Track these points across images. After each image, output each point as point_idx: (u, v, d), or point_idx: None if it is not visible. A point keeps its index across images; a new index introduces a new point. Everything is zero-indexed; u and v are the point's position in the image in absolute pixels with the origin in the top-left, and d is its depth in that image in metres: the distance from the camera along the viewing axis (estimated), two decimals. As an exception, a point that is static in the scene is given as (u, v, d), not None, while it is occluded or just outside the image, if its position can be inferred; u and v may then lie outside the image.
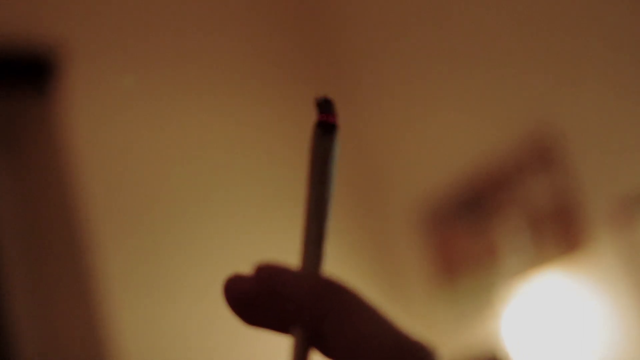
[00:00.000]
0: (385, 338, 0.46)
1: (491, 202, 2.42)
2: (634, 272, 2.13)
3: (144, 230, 2.28)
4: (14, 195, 2.20)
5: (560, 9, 2.29)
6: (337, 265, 2.55)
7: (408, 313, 2.56)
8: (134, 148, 2.33)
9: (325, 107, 0.54)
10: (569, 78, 2.27)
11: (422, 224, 2.58)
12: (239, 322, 0.44)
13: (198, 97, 2.47)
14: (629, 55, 2.16)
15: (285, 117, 2.57)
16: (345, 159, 2.59)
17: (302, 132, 2.59)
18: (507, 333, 2.34)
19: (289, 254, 2.35)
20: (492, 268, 2.40)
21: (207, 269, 2.32)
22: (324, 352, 0.47)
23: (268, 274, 0.49)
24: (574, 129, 2.27)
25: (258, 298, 0.48)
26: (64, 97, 2.26)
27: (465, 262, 2.47)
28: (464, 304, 2.46)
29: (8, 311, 2.14)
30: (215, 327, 2.28)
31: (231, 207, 2.42)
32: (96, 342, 2.13)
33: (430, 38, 2.57)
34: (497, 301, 2.37)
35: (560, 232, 2.29)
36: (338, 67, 2.73)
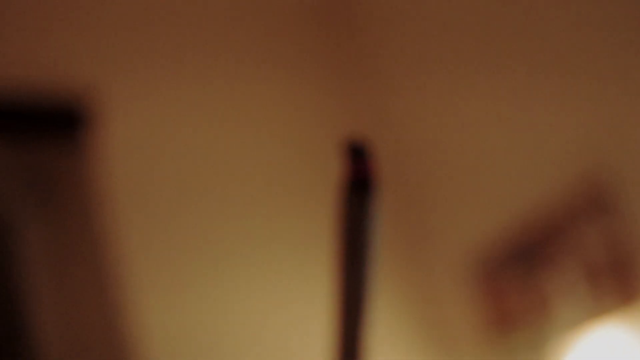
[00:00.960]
0: None
1: (544, 251, 2.35)
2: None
3: (172, 228, 2.28)
4: (46, 245, 2.20)
5: (618, 48, 2.23)
6: (383, 318, 2.49)
7: (458, 369, 2.50)
8: (169, 185, 2.33)
9: (358, 156, 0.44)
10: (628, 120, 2.21)
11: (471, 276, 2.51)
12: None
13: (231, 132, 2.45)
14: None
15: (317, 117, 2.58)
16: (388, 207, 2.57)
17: (332, 127, 2.58)
18: (563, 389, 2.26)
19: (319, 248, 2.31)
20: (546, 321, 2.33)
21: (235, 264, 2.32)
22: None
23: None
24: (631, 174, 2.20)
25: None
26: (97, 145, 2.24)
27: (517, 315, 2.39)
28: (517, 359, 2.38)
29: (33, 307, 2.13)
30: (242, 322, 2.28)
31: (260, 203, 2.42)
32: (121, 338, 2.14)
33: (478, 85, 2.51)
34: (551, 356, 2.29)
35: (617, 282, 2.22)
36: (382, 111, 2.69)
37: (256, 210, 2.42)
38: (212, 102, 2.47)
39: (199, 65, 2.48)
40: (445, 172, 2.60)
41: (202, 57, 2.49)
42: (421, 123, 2.66)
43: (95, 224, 2.21)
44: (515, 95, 2.43)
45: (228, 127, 2.47)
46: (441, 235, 2.61)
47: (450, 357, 2.53)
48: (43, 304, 2.18)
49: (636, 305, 2.18)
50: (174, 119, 2.40)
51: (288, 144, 2.53)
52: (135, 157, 2.31)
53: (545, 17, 2.38)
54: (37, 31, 2.28)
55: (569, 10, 2.32)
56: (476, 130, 2.52)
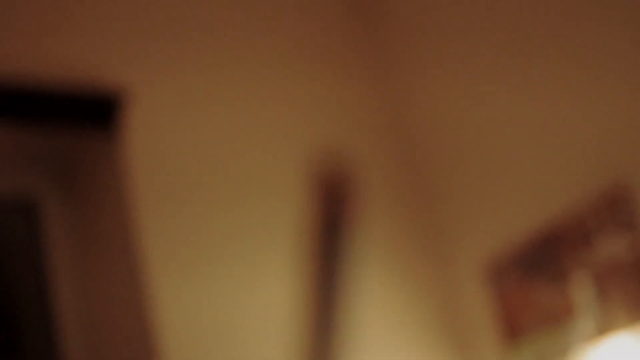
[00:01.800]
0: None
1: (563, 260, 2.33)
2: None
3: (191, 218, 2.30)
4: (69, 227, 2.24)
5: (635, 65, 2.20)
6: (402, 322, 2.50)
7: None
8: (194, 179, 2.35)
9: (332, 197, 0.43)
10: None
11: (490, 281, 2.50)
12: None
13: (258, 124, 2.47)
14: None
15: (338, 110, 2.60)
16: (411, 212, 2.58)
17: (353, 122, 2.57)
18: (571, 399, 2.26)
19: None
20: (562, 329, 2.32)
21: (256, 258, 2.34)
22: None
23: None
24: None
25: None
26: (126, 134, 2.28)
27: (534, 322, 2.39)
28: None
29: (55, 300, 2.17)
30: (259, 314, 2.29)
31: (285, 196, 2.43)
32: (141, 330, 2.17)
33: (504, 88, 2.49)
34: (563, 366, 2.29)
35: (632, 298, 2.20)
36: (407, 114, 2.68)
37: (281, 203, 2.43)
38: (240, 90, 2.48)
39: (227, 53, 2.49)
40: (468, 175, 2.59)
41: (232, 49, 2.49)
42: (447, 122, 2.64)
43: (118, 210, 2.25)
44: (543, 98, 2.40)
45: (254, 114, 2.48)
46: (462, 240, 2.59)
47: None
48: (63, 282, 2.24)
49: (649, 322, 2.17)
50: (203, 111, 2.41)
51: (310, 135, 2.54)
52: (163, 147, 2.33)
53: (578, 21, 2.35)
54: (70, 23, 2.32)
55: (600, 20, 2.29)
56: (502, 132, 2.50)
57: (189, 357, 2.20)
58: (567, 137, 2.34)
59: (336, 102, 2.60)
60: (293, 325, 2.33)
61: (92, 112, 2.25)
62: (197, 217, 2.33)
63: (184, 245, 2.29)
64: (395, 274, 2.53)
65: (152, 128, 2.32)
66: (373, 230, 2.51)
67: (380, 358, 2.45)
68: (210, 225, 2.33)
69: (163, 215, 2.28)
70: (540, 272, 2.37)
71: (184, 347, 2.21)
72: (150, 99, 2.33)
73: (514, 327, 2.44)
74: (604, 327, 2.23)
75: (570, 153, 2.34)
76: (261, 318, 2.32)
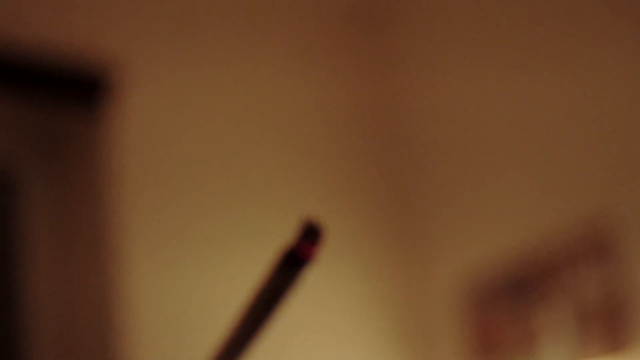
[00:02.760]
0: None
1: (537, 288, 2.33)
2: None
3: (173, 203, 2.28)
4: (49, 206, 2.21)
5: (622, 95, 2.22)
6: (371, 336, 2.48)
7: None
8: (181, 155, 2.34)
9: (310, 235, 0.47)
10: (633, 168, 2.19)
11: (463, 303, 2.49)
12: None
13: (251, 114, 2.45)
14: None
15: (338, 108, 2.59)
16: (390, 229, 2.58)
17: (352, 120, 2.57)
18: None
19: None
20: (531, 357, 2.31)
21: (236, 250, 2.33)
22: None
23: None
24: (633, 222, 2.19)
25: None
26: (114, 114, 2.25)
27: (504, 347, 2.38)
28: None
29: (24, 284, 2.14)
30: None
31: (273, 189, 2.44)
32: (111, 308, 2.15)
33: (501, 104, 2.50)
34: (532, 392, 2.28)
35: (607, 328, 2.20)
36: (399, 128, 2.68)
37: (268, 197, 2.43)
38: (237, 83, 2.47)
39: (226, 44, 2.48)
40: (455, 185, 2.58)
41: (230, 35, 2.49)
42: (438, 127, 2.63)
43: (100, 192, 2.22)
44: (539, 114, 2.41)
45: (248, 108, 2.47)
46: (437, 259, 2.59)
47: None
48: (38, 262, 2.20)
49: (622, 354, 2.16)
50: (197, 97, 2.40)
51: (307, 130, 2.53)
52: (150, 131, 2.31)
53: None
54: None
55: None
56: (493, 146, 2.50)
57: (159, 348, 2.17)
58: (559, 159, 2.35)
59: (329, 100, 2.60)
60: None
61: (79, 89, 2.23)
62: (180, 207, 2.30)
63: (163, 235, 2.26)
64: (365, 279, 2.51)
65: (142, 110, 2.30)
66: (347, 230, 2.50)
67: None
68: (192, 216, 2.31)
69: (144, 202, 2.25)
70: (518, 294, 2.37)
71: (155, 337, 2.17)
72: (143, 80, 2.31)
73: (487, 347, 2.42)
74: (579, 354, 2.23)
75: (560, 176, 2.34)
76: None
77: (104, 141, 2.23)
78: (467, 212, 2.52)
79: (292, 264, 0.47)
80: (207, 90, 2.42)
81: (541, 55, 2.43)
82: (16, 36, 2.21)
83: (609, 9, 2.28)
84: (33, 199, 2.25)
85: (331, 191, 2.54)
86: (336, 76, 2.63)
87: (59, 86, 2.22)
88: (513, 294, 2.38)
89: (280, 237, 2.36)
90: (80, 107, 2.23)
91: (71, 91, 2.23)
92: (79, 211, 2.23)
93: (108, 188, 2.22)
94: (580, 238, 2.27)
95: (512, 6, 2.51)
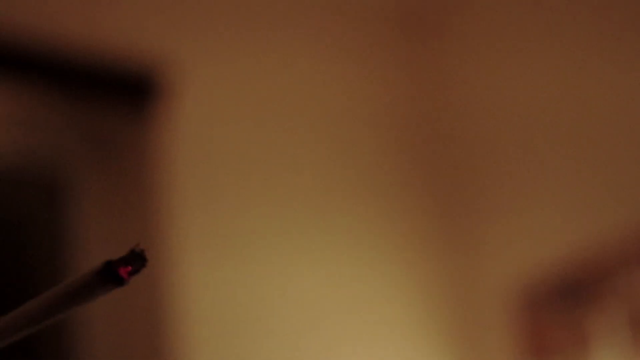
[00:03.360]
0: None
1: (590, 290, 2.30)
2: None
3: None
4: (100, 206, 2.22)
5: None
6: (418, 338, 2.47)
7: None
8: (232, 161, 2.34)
9: (133, 260, 0.49)
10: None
11: (513, 305, 2.47)
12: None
13: (306, 118, 2.46)
14: None
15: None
16: (438, 228, 2.56)
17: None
18: None
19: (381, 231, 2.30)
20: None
21: (292, 246, 2.36)
22: None
23: None
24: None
25: None
26: (166, 115, 2.25)
27: (555, 351, 2.36)
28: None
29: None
30: (291, 305, 2.31)
31: (326, 184, 2.45)
32: (163, 305, 2.16)
33: (544, 109, 2.47)
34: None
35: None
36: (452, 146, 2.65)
37: (315, 196, 2.43)
38: (287, 83, 2.46)
39: (277, 43, 2.47)
40: (505, 182, 2.54)
41: (281, 35, 2.48)
42: (487, 119, 2.59)
43: (151, 192, 2.22)
44: (584, 135, 2.38)
45: (298, 108, 2.46)
46: (488, 262, 2.56)
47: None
48: (88, 262, 2.20)
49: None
50: (248, 95, 2.39)
51: (354, 130, 2.53)
52: (201, 129, 2.31)
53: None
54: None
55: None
56: (546, 138, 2.46)
57: (216, 346, 2.17)
58: (616, 158, 2.32)
59: (378, 100, 2.59)
60: (325, 315, 2.34)
61: (131, 88, 2.23)
62: (231, 207, 2.30)
63: (214, 235, 2.26)
64: (412, 280, 2.50)
65: (193, 109, 2.30)
66: (389, 228, 2.49)
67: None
68: (243, 215, 2.31)
69: (195, 202, 2.25)
70: (570, 297, 2.34)
71: (211, 335, 2.18)
72: (194, 79, 2.31)
73: (537, 351, 2.40)
74: (632, 359, 2.21)
75: (617, 176, 2.31)
76: (293, 308, 2.30)
77: (155, 141, 2.23)
78: (520, 211, 2.49)
79: (105, 276, 0.49)
80: (258, 89, 2.41)
81: (597, 51, 2.40)
82: (67, 36, 2.21)
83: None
84: (83, 199, 2.25)
85: (378, 189, 2.53)
86: (382, 76, 2.62)
87: (110, 86, 2.22)
88: (565, 297, 2.36)
89: (328, 234, 2.37)
90: (131, 106, 2.23)
91: (122, 91, 2.23)
92: (129, 211, 2.23)
93: (159, 188, 2.22)
94: (635, 240, 2.24)
95: None
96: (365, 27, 2.61)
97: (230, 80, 2.38)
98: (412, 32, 2.67)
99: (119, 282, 0.50)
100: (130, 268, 0.50)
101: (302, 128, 2.45)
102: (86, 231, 2.23)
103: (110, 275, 0.50)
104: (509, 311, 2.48)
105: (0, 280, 2.20)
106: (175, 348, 2.13)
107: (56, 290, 0.51)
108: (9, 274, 2.25)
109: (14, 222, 2.27)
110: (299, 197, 2.39)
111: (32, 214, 2.27)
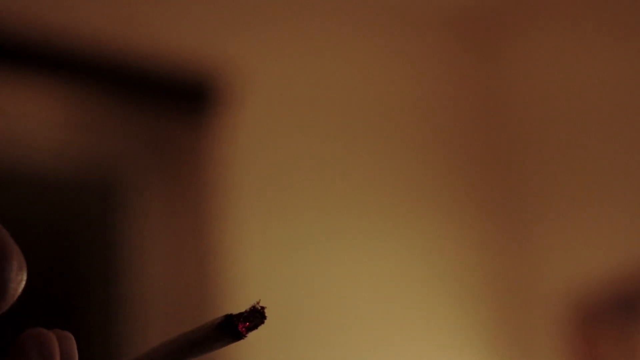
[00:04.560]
0: None
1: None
2: None
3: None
4: (160, 210, 2.23)
5: None
6: (467, 345, 2.47)
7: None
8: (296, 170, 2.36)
9: (252, 317, 0.52)
10: None
11: (565, 316, 2.46)
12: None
13: (364, 118, 2.47)
14: None
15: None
16: (491, 233, 2.55)
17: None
18: None
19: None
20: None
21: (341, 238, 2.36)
22: None
23: None
24: None
25: None
26: (227, 123, 2.25)
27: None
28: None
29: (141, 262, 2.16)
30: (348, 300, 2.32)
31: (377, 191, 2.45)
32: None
33: (609, 110, 2.46)
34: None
35: None
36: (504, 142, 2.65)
37: (372, 193, 2.44)
38: (351, 85, 2.48)
39: (339, 45, 2.48)
40: (559, 197, 2.51)
41: (343, 36, 2.48)
42: (550, 116, 2.55)
43: (208, 198, 2.23)
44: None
45: (358, 108, 2.47)
46: (543, 273, 2.53)
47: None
48: (146, 267, 2.22)
49: None
50: (310, 102, 2.40)
51: (411, 128, 2.54)
52: (261, 137, 2.31)
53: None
54: (176, 2, 2.31)
55: None
56: (596, 173, 2.45)
57: (269, 336, 2.18)
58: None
59: (437, 98, 2.59)
60: (373, 311, 2.35)
61: (190, 94, 2.24)
62: (288, 211, 2.31)
63: (271, 239, 2.27)
64: (462, 286, 2.50)
65: (253, 114, 2.31)
66: (443, 227, 2.50)
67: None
68: (301, 220, 2.32)
69: (253, 207, 2.26)
70: (625, 311, 2.33)
71: (268, 334, 2.18)
72: (254, 84, 2.32)
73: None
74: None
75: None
76: (343, 304, 2.32)
77: (213, 146, 2.24)
78: (576, 220, 2.47)
79: (224, 329, 0.51)
80: (317, 93, 2.41)
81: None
82: (129, 41, 2.22)
83: None
84: (141, 203, 2.26)
85: (433, 188, 2.53)
86: (441, 76, 2.61)
87: (170, 91, 2.23)
88: (620, 311, 2.34)
89: (385, 230, 2.38)
90: (190, 111, 2.24)
91: (182, 96, 2.24)
92: (186, 215, 2.24)
93: (216, 193, 2.23)
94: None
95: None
96: (424, 26, 2.61)
97: (289, 85, 2.38)
98: (470, 30, 2.67)
99: (237, 336, 0.52)
100: (248, 324, 0.52)
101: (362, 128, 2.46)
102: (143, 235, 2.24)
103: (230, 329, 0.52)
104: (560, 320, 2.46)
105: (56, 285, 2.21)
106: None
107: (178, 339, 0.52)
108: (65, 278, 2.26)
109: (71, 226, 2.28)
110: (355, 198, 2.40)
111: (89, 218, 2.28)
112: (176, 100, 2.25)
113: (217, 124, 2.25)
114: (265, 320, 0.53)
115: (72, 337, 0.57)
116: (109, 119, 2.24)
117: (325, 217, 2.35)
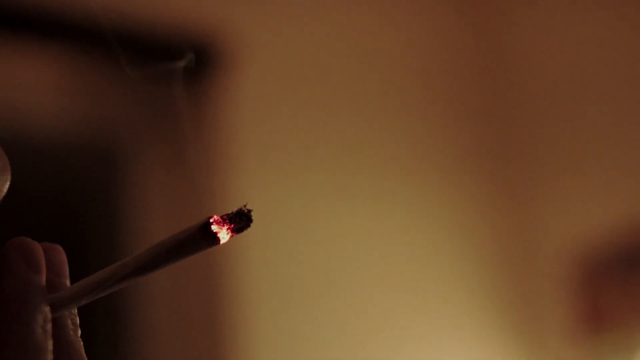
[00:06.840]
0: None
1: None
2: None
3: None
4: (158, 178, 2.22)
5: None
6: (474, 309, 2.47)
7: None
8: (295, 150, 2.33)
9: (237, 220, 0.48)
10: None
11: (571, 272, 2.46)
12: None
13: (365, 79, 2.45)
14: None
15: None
16: (493, 192, 2.55)
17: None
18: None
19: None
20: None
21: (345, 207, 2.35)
22: None
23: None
24: None
25: None
26: (227, 88, 2.25)
27: (611, 317, 2.34)
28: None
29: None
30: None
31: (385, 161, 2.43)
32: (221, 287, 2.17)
33: (611, 66, 2.45)
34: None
35: None
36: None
37: (381, 157, 2.43)
38: (351, 45, 2.46)
39: (340, 9, 2.47)
40: (560, 153, 2.51)
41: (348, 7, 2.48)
42: (551, 71, 2.55)
43: (211, 162, 2.22)
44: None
45: (360, 68, 2.46)
46: (547, 226, 2.54)
47: (538, 352, 2.48)
48: (147, 236, 2.21)
49: None
50: (310, 64, 2.39)
51: (410, 90, 2.52)
52: (262, 100, 2.31)
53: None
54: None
55: None
56: (600, 127, 2.44)
57: (274, 319, 2.18)
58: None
59: (435, 58, 2.58)
60: (382, 282, 2.35)
61: (189, 58, 2.22)
62: (294, 175, 2.30)
63: (276, 203, 2.26)
64: (465, 246, 2.49)
65: (253, 78, 2.30)
66: (446, 192, 2.48)
67: (438, 346, 2.42)
68: (307, 182, 2.31)
69: (256, 171, 2.25)
70: (631, 265, 2.33)
71: (270, 303, 2.18)
72: (255, 48, 2.31)
73: (596, 319, 2.39)
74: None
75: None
76: (349, 276, 2.31)
77: (214, 111, 2.24)
78: (578, 177, 2.46)
79: (207, 237, 0.49)
80: (317, 55, 2.40)
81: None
82: (127, 5, 2.21)
83: None
84: (143, 169, 2.26)
85: (435, 150, 2.52)
86: (444, 35, 2.61)
87: (170, 56, 2.22)
88: (623, 265, 2.34)
89: (389, 191, 2.36)
90: (190, 76, 2.23)
91: (181, 61, 2.23)
92: (188, 181, 2.24)
93: (218, 159, 2.22)
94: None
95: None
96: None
97: (289, 48, 2.37)
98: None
99: (215, 239, 0.50)
100: (233, 225, 0.50)
101: (362, 89, 2.45)
102: (145, 201, 2.24)
103: (208, 232, 0.49)
104: (565, 275, 2.47)
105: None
106: (234, 319, 2.14)
107: (162, 241, 0.53)
108: (67, 245, 2.25)
109: (72, 192, 2.28)
110: (356, 159, 2.39)
111: (90, 185, 2.28)
112: (176, 64, 2.24)
113: (218, 88, 2.24)
114: (252, 224, 0.52)
115: (62, 250, 0.56)
116: (108, 84, 2.23)
117: (326, 179, 2.35)
